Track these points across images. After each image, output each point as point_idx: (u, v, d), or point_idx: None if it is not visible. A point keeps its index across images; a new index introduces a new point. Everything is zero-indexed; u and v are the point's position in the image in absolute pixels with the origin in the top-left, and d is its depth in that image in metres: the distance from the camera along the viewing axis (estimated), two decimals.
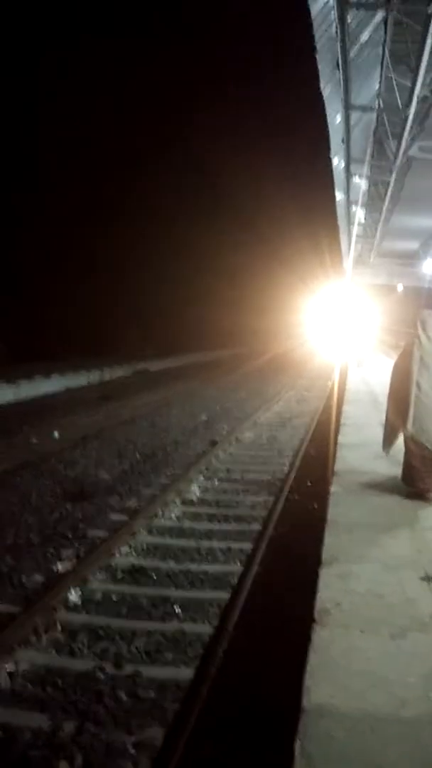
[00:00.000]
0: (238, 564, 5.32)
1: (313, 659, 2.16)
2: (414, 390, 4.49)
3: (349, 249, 21.06)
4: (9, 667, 3.73)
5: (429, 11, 5.13)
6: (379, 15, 6.25)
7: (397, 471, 4.76)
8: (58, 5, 36.09)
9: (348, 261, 22.53)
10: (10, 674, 3.69)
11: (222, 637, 3.96)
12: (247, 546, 5.71)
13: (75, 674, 3.68)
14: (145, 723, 3.20)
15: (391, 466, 5.04)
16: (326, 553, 3.25)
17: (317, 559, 3.25)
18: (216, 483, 8.09)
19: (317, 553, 3.37)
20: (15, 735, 3.17)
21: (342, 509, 4.22)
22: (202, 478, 8.20)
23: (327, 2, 5.53)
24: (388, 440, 4.91)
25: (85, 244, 30.77)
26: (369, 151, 10.68)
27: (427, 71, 7.03)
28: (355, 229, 17.27)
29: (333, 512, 4.18)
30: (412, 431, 4.47)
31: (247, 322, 40.02)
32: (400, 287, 28.14)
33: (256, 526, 6.26)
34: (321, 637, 2.34)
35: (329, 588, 2.79)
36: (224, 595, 4.68)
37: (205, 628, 4.20)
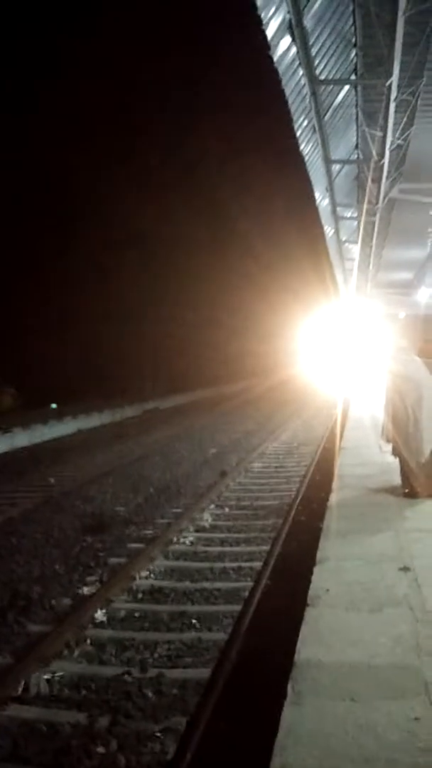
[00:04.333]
0: (249, 580, 5.77)
1: (304, 630, 2.65)
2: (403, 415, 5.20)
3: (345, 282, 22.00)
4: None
5: (387, 83, 5.93)
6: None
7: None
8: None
9: (345, 293, 23.38)
10: (48, 681, 4.17)
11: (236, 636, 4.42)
12: (257, 564, 6.16)
13: (106, 678, 4.14)
14: None
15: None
16: (320, 554, 3.76)
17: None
18: (227, 510, 8.56)
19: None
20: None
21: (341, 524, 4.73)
22: (213, 506, 8.67)
23: (299, 81, 6.35)
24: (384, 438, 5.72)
25: (93, 287, 31.79)
26: (355, 195, 11.63)
27: (395, 124, 7.86)
28: (355, 264, 18.12)
29: (331, 525, 4.69)
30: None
31: (251, 359, 41.10)
32: (401, 315, 28.64)
33: (265, 547, 6.71)
34: (311, 614, 2.83)
35: (321, 580, 3.30)
36: (236, 607, 5.13)
37: (220, 636, 4.66)
